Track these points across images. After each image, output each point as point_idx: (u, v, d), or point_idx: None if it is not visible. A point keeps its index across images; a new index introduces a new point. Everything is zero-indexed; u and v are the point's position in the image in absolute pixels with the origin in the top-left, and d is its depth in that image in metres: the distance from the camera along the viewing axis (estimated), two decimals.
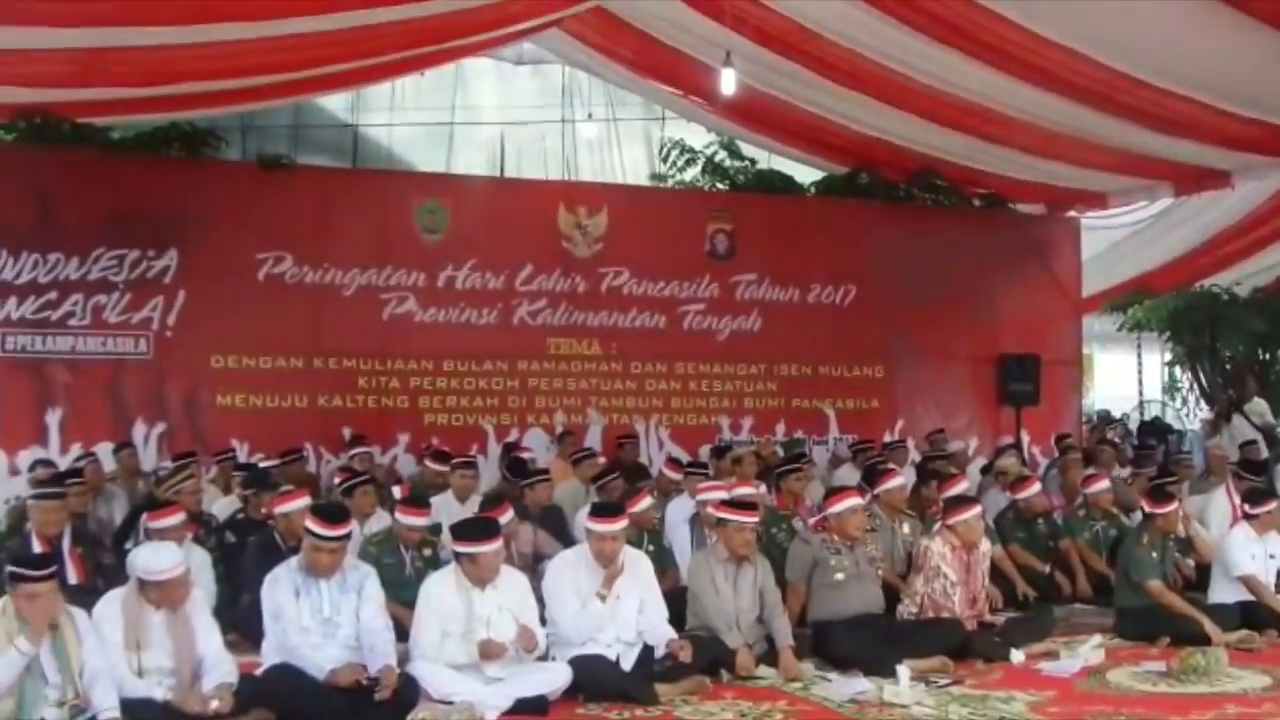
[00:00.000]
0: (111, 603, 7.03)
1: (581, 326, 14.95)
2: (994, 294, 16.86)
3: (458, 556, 7.81)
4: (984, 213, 17.14)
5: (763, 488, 11.13)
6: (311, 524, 7.62)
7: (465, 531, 7.89)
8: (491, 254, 14.59)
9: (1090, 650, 8.94)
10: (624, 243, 15.08)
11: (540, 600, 8.12)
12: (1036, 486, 11.94)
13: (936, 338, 16.38)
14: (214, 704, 6.82)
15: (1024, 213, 17.63)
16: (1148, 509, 10.02)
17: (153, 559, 7.10)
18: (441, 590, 7.75)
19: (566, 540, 10.12)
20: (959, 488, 10.50)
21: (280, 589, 7.53)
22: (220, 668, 7.11)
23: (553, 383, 14.83)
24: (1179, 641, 9.16)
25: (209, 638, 7.17)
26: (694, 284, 15.43)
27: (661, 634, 8.24)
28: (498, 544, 7.77)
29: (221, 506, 11.17)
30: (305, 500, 9.08)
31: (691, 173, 16.29)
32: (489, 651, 7.51)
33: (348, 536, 7.76)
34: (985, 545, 9.53)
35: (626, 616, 8.22)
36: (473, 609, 7.64)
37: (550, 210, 14.92)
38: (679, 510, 10.84)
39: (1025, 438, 16.63)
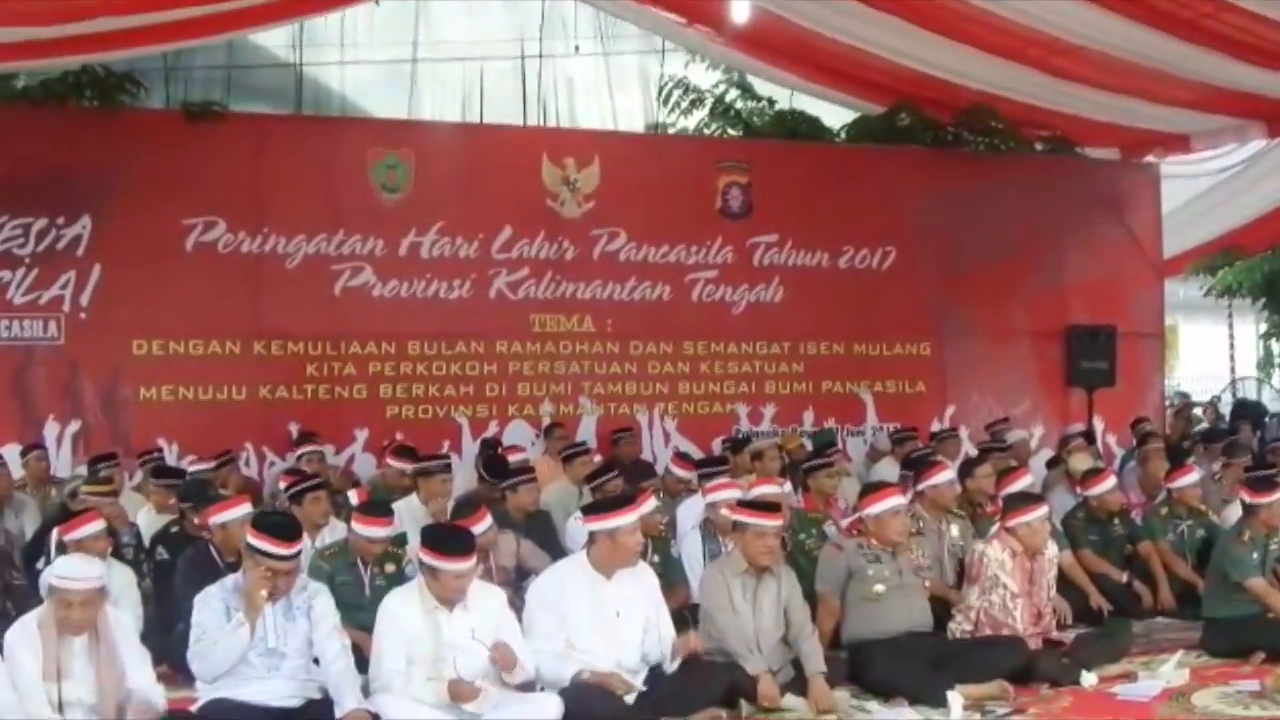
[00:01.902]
0: (26, 628, 7.06)
1: (571, 300, 15.00)
2: (1060, 255, 16.90)
3: (421, 567, 7.83)
4: (1047, 159, 17.17)
5: (788, 486, 11.17)
6: (255, 539, 7.63)
7: (435, 540, 7.88)
8: (462, 216, 14.62)
9: (1173, 670, 8.98)
10: (619, 200, 15.12)
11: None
12: (1111, 481, 11.97)
13: (993, 308, 16.42)
14: None
15: (1094, 159, 17.66)
16: (1248, 500, 10.06)
17: (72, 566, 7.15)
18: (403, 610, 7.73)
19: (556, 551, 10.14)
20: (1020, 483, 10.54)
21: (210, 612, 7.56)
22: (147, 685, 7.18)
23: (538, 367, 14.89)
24: (1276, 657, 9.21)
25: (138, 667, 7.21)
26: (703, 248, 15.48)
27: (667, 649, 8.29)
28: (469, 563, 7.71)
29: (146, 518, 11.19)
30: (245, 508, 9.10)
31: (697, 116, 16.32)
32: (459, 694, 7.49)
33: (298, 555, 7.78)
34: (1051, 550, 9.56)
35: (628, 640, 8.25)
36: (440, 634, 7.65)
37: (532, 163, 14.95)
38: (690, 514, 10.84)
39: (1098, 425, 16.67)
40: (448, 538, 7.89)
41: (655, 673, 8.24)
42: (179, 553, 9.77)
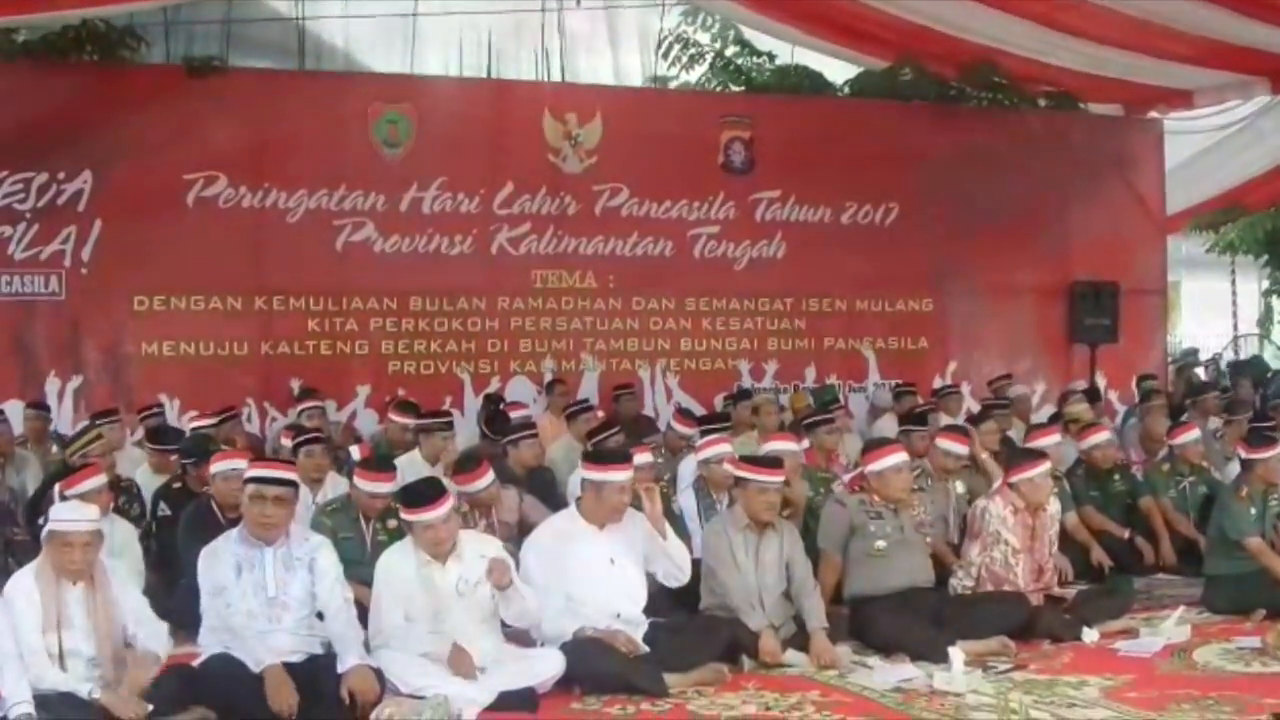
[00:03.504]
0: (24, 578, 7.10)
1: (573, 256, 14.96)
2: (1063, 211, 16.85)
3: (404, 524, 7.86)
4: (1050, 114, 17.09)
5: (805, 443, 11.17)
6: (250, 469, 7.75)
7: (405, 496, 7.93)
8: (465, 171, 14.57)
9: (1174, 626, 8.99)
10: (622, 155, 15.07)
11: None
12: (1106, 434, 11.98)
13: (995, 264, 16.38)
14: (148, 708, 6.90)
15: (1098, 114, 17.59)
16: (1245, 455, 10.07)
17: (71, 509, 7.20)
18: (398, 566, 7.77)
19: (558, 507, 10.15)
20: (1048, 440, 10.57)
21: (219, 565, 7.56)
22: (149, 632, 7.27)
23: (540, 323, 14.86)
24: (1277, 614, 9.22)
25: (140, 617, 7.26)
26: (705, 204, 15.43)
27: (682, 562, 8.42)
28: (438, 511, 7.70)
29: (145, 476, 11.16)
30: (243, 461, 9.11)
31: (698, 72, 16.25)
32: (460, 667, 7.50)
33: (294, 484, 7.81)
34: (1054, 507, 9.56)
35: (626, 589, 8.27)
36: (434, 587, 7.67)
37: (534, 118, 14.89)
38: (690, 471, 10.86)
39: (1101, 381, 16.65)
40: (414, 490, 7.93)
41: (656, 628, 8.26)
42: (181, 509, 9.78)
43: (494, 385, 14.54)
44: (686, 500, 10.47)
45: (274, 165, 13.94)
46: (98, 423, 11.59)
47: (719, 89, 16.26)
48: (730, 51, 16.30)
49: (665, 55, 16.33)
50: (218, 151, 13.75)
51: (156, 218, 13.47)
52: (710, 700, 7.74)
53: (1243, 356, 21.98)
